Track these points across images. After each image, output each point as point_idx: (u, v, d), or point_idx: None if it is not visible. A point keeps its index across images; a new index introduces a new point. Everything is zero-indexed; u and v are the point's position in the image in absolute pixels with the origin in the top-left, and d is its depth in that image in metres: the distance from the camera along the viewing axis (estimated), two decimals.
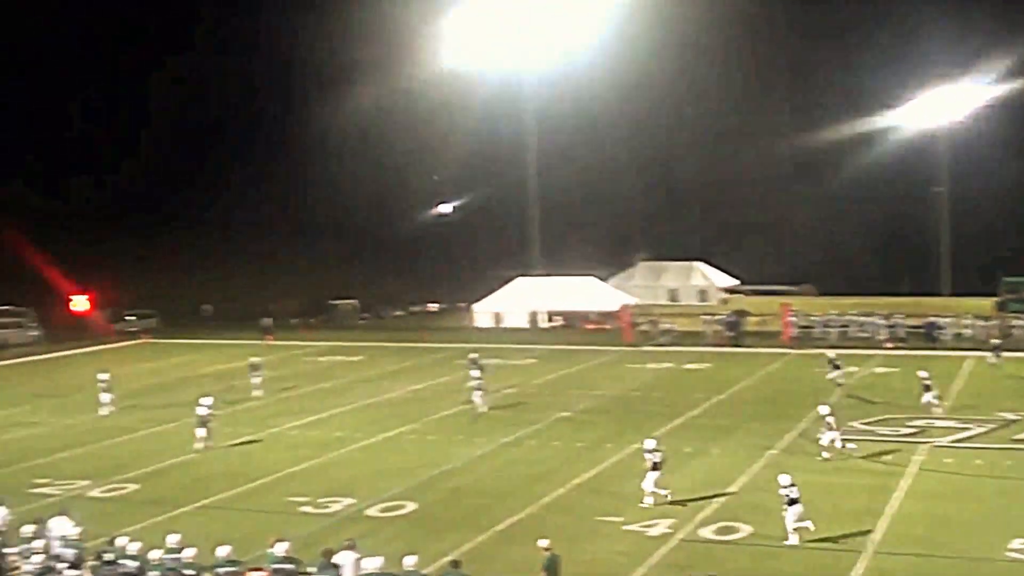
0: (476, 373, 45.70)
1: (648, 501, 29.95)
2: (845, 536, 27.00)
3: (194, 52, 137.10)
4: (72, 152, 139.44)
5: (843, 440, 35.11)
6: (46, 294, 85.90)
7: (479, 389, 44.37)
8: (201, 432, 39.02)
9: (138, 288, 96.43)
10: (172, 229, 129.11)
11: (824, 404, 36.08)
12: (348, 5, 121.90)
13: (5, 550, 23.58)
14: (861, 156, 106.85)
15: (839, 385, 47.03)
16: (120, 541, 22.81)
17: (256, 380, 50.02)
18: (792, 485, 26.96)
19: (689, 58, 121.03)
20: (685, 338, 67.42)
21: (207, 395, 41.22)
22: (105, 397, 47.64)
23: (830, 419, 34.82)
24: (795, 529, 26.64)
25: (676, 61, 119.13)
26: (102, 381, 48.27)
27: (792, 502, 26.82)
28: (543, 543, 22.60)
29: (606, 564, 25.24)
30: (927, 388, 41.46)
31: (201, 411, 39.42)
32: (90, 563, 22.82)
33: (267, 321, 76.78)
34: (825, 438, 34.81)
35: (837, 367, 47.90)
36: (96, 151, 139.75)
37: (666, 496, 30.05)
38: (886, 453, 35.40)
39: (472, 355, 47.90)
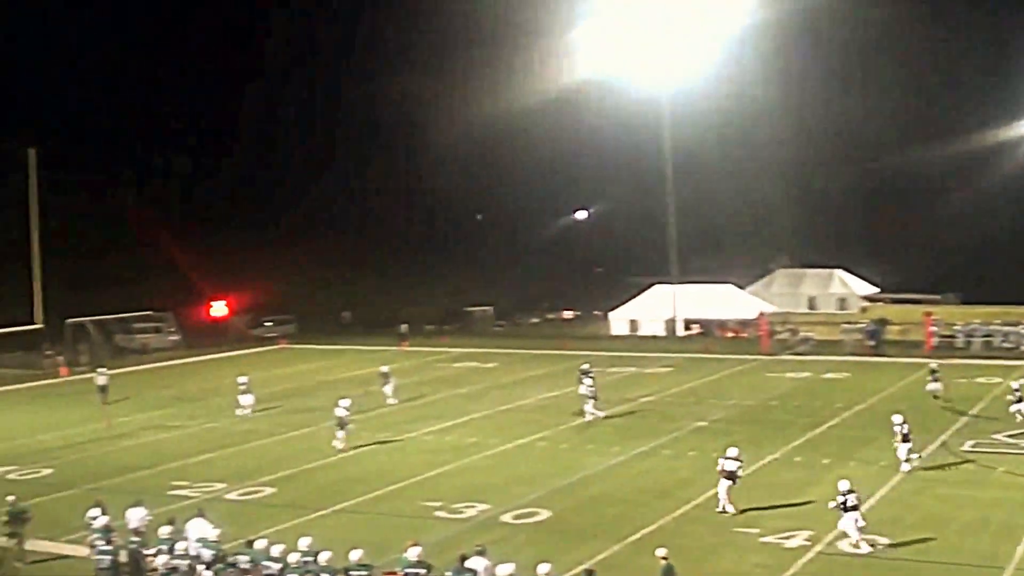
0: (588, 382, 45.21)
1: (728, 509, 29.73)
2: (987, 550, 26.24)
3: (328, 55, 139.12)
4: (213, 158, 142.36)
5: (915, 453, 34.40)
6: (185, 299, 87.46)
7: (592, 398, 44.00)
8: (340, 433, 39.75)
9: (276, 294, 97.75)
10: (310, 236, 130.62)
11: (898, 414, 35.02)
12: (481, 11, 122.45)
13: (144, 551, 23.78)
14: (1008, 161, 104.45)
15: (936, 398, 45.55)
16: (260, 543, 22.98)
17: (387, 388, 50.15)
18: (851, 491, 26.57)
19: (832, 63, 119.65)
20: (824, 347, 66.15)
21: (345, 397, 41.63)
22: (244, 399, 48.54)
23: (898, 428, 34.14)
24: (848, 535, 26.53)
25: (817, 66, 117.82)
26: (242, 384, 49.04)
27: (850, 508, 26.44)
28: (660, 552, 22.38)
29: None
30: (1020, 399, 40.52)
31: (340, 412, 40.20)
32: (227, 564, 23.04)
33: (403, 327, 77.17)
34: (901, 450, 34.06)
35: (937, 379, 46.39)
36: (237, 157, 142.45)
37: (730, 512, 29.73)
38: None
39: (583, 366, 47.29)
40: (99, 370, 53.26)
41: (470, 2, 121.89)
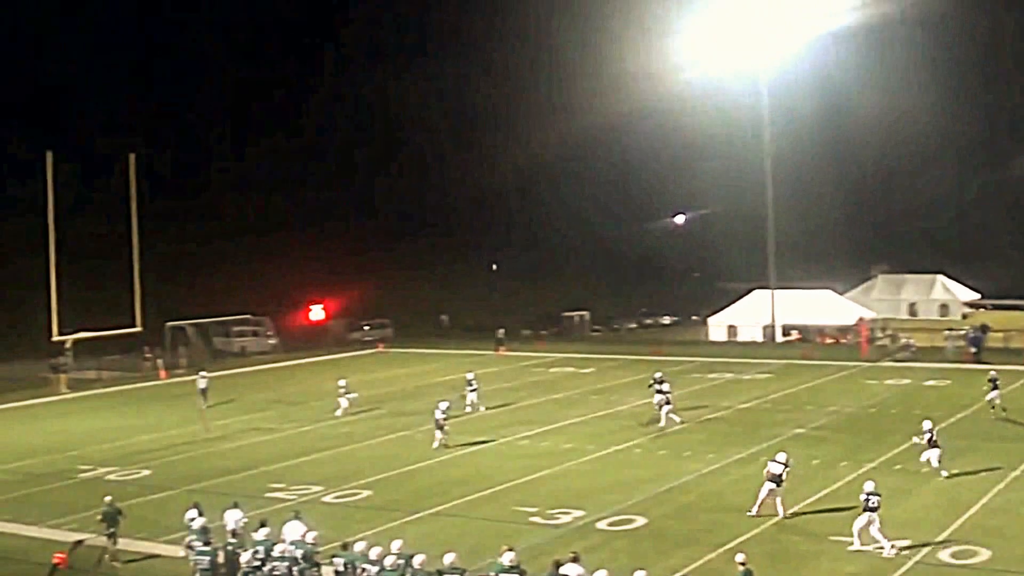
0: (665, 387, 44.66)
1: (752, 510, 30.09)
2: None
3: (424, 59, 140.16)
4: (318, 165, 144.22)
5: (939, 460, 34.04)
6: (284, 304, 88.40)
7: (667, 404, 43.73)
8: (439, 434, 40.43)
9: (373, 298, 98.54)
10: (407, 241, 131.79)
11: (927, 420, 35.02)
12: (579, 18, 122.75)
13: (240, 552, 23.97)
14: None
15: (993, 407, 44.42)
16: (358, 546, 22.98)
17: (472, 396, 49.87)
18: (875, 493, 26.47)
19: (938, 66, 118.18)
20: (925, 354, 65.20)
21: (444, 399, 41.93)
22: (343, 401, 48.96)
23: (926, 435, 34.14)
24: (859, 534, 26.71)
25: (923, 69, 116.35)
26: (341, 387, 49.42)
27: (870, 509, 26.46)
28: (739, 558, 22.34)
29: None
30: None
31: (438, 415, 40.77)
32: (312, 564, 23.25)
33: (500, 332, 77.22)
34: (925, 455, 33.95)
35: (996, 387, 45.20)
36: (342, 166, 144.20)
37: (751, 513, 30.04)
38: None
39: (656, 374, 46.66)
40: (200, 373, 53.80)
41: (566, 6, 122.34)
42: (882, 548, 26.19)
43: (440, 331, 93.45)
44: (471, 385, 50.09)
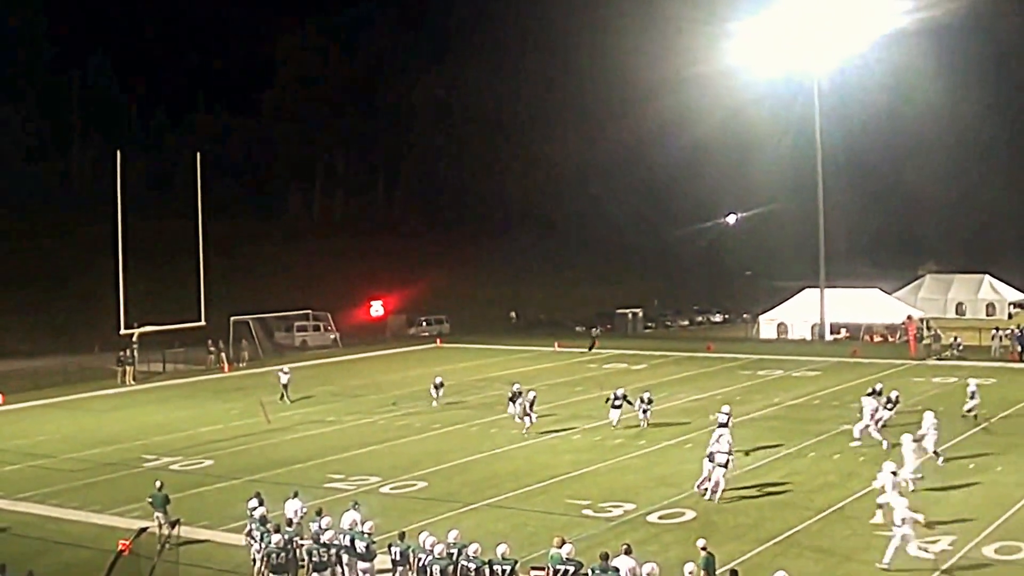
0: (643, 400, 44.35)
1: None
2: None
3: (497, 53, 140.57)
4: (374, 162, 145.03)
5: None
6: (345, 299, 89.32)
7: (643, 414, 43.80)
8: (527, 422, 42.46)
9: (431, 295, 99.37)
10: (464, 239, 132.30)
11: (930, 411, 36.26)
12: (637, 19, 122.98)
13: (298, 540, 24.65)
14: None
15: (968, 413, 44.46)
16: (423, 537, 23.48)
17: (512, 408, 46.44)
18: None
19: (989, 66, 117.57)
20: (971, 352, 65.29)
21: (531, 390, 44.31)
22: (436, 393, 50.07)
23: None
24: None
25: (974, 69, 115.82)
26: (438, 381, 50.71)
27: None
28: (700, 543, 22.87)
29: None
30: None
31: (513, 410, 42.58)
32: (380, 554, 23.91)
33: (595, 330, 77.43)
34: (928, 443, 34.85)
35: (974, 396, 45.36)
36: (396, 163, 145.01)
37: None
38: None
39: (619, 391, 44.65)
40: (283, 368, 54.22)
41: (629, 9, 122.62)
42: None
43: (510, 327, 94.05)
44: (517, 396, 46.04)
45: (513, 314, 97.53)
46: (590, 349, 72.92)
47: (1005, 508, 30.21)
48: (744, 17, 76.69)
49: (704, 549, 22.60)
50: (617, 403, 43.04)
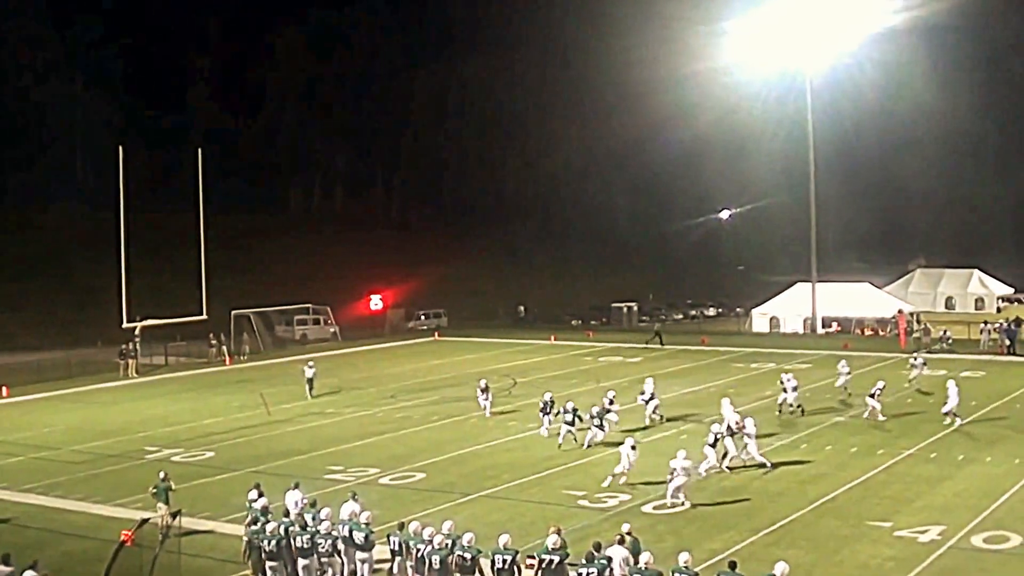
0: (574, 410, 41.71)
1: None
2: None
3: (481, 57, 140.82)
4: (373, 157, 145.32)
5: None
6: (344, 293, 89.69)
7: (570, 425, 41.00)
8: (600, 435, 39.06)
9: (429, 289, 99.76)
10: (463, 233, 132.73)
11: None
12: (631, 18, 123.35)
13: (296, 531, 24.90)
14: None
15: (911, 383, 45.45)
16: (412, 526, 23.91)
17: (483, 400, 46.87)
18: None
19: (978, 66, 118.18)
20: (960, 346, 65.89)
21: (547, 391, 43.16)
22: (482, 398, 46.68)
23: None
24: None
25: (963, 68, 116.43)
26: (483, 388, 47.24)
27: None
28: (625, 528, 23.47)
29: (876, 569, 25.21)
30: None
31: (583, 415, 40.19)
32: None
33: (658, 327, 77.01)
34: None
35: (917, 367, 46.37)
36: (396, 158, 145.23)
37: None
38: None
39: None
40: (308, 363, 54.04)
41: (621, 6, 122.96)
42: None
43: (518, 321, 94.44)
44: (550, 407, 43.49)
45: (521, 308, 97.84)
46: (660, 344, 71.69)
47: (994, 498, 30.67)
48: (737, 15, 77.03)
49: (629, 534, 23.17)
50: (568, 417, 40.14)
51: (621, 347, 72.18)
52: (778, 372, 57.23)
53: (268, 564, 24.21)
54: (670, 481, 31.10)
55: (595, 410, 39.41)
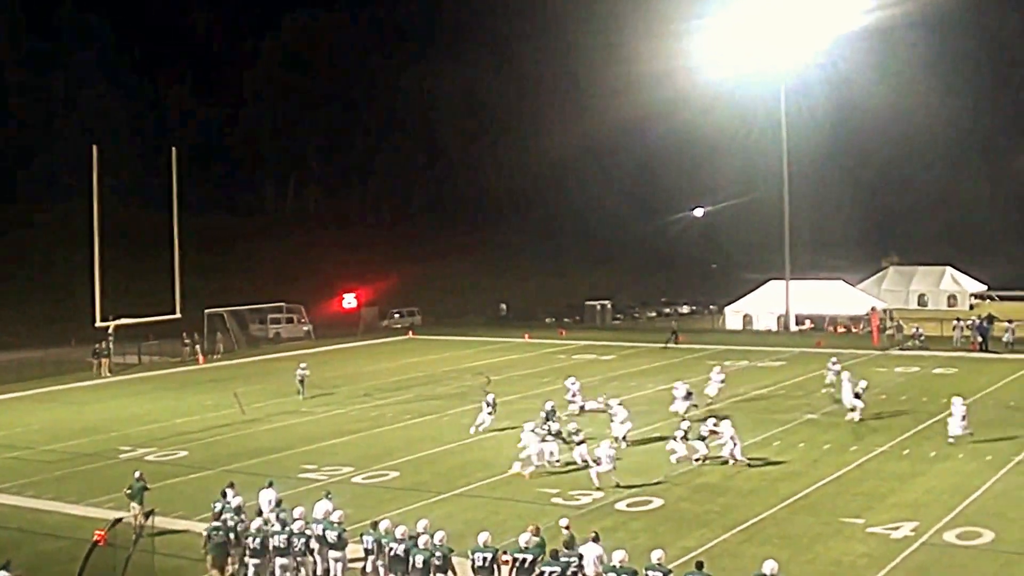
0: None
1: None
2: None
3: (459, 61, 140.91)
4: (350, 160, 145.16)
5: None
6: (318, 292, 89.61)
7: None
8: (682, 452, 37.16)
9: (403, 287, 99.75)
10: (435, 232, 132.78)
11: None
12: (601, 17, 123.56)
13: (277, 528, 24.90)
14: None
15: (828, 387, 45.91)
16: (384, 524, 23.98)
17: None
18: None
19: (947, 63, 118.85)
20: (933, 343, 66.28)
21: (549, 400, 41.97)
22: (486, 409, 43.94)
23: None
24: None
25: (932, 66, 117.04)
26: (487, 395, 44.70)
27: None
28: (563, 522, 23.88)
29: (849, 566, 25.33)
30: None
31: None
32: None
33: (674, 324, 77.08)
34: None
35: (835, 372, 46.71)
36: (370, 158, 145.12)
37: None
38: None
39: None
40: (300, 365, 53.44)
41: (588, 6, 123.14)
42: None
43: (499, 319, 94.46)
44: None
45: (503, 306, 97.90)
46: (676, 343, 70.98)
47: (966, 495, 30.91)
48: (712, 13, 77.30)
49: (567, 528, 23.52)
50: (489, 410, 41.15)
51: (594, 344, 72.35)
52: (751, 369, 57.81)
53: (251, 561, 24.30)
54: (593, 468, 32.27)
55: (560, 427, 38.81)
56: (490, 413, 41.42)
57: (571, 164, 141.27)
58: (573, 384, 46.81)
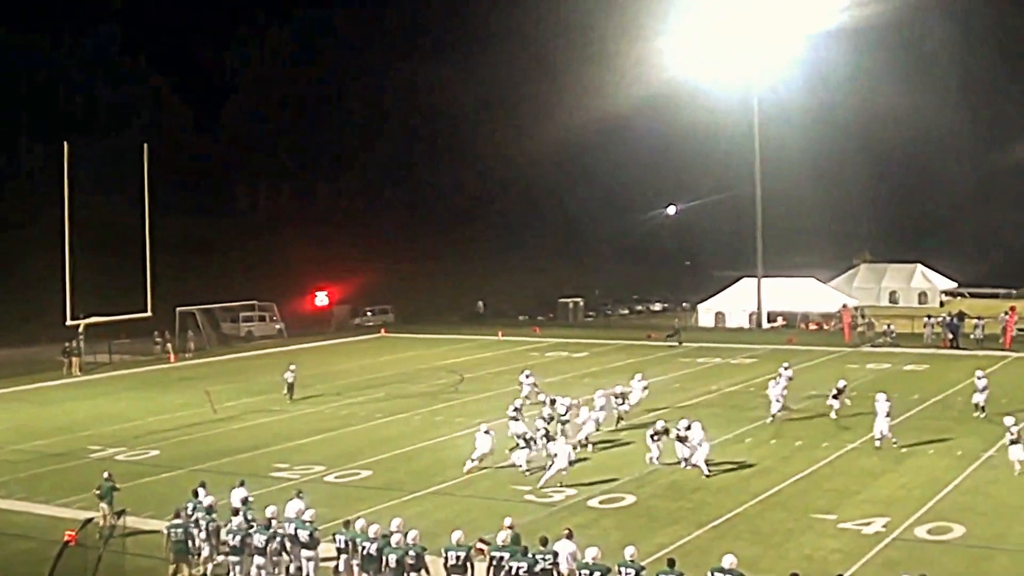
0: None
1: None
2: None
3: (426, 49, 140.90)
4: (318, 156, 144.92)
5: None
6: (290, 290, 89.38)
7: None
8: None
9: (376, 285, 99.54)
10: (409, 230, 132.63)
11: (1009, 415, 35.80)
12: (578, 15, 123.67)
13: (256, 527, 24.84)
14: None
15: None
16: (359, 523, 23.88)
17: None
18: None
19: (913, 64, 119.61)
20: (904, 340, 66.68)
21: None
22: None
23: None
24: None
25: (900, 66, 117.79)
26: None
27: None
28: (507, 521, 23.76)
29: (820, 561, 25.38)
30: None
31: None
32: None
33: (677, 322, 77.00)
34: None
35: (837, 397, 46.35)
36: (338, 157, 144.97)
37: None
38: None
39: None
40: (289, 367, 52.46)
41: (566, 5, 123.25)
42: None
43: (476, 317, 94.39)
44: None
45: (480, 304, 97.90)
46: (678, 341, 70.32)
47: (937, 490, 31.08)
48: (688, 12, 77.43)
49: (511, 528, 23.46)
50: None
51: (567, 342, 72.41)
52: (724, 367, 57.98)
53: (230, 559, 24.29)
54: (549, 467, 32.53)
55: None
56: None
57: (545, 163, 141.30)
58: (528, 379, 46.57)
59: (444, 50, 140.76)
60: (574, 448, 34.33)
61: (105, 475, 29.81)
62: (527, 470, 34.33)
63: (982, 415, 41.02)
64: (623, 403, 42.41)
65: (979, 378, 42.63)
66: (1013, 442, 32.69)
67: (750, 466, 34.88)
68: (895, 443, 36.36)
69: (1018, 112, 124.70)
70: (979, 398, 41.99)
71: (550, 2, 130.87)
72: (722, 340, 70.95)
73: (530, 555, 21.89)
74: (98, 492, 29.11)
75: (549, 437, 34.87)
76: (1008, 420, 33.91)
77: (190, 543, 24.92)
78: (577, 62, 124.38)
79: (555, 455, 32.55)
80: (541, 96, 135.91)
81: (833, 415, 41.42)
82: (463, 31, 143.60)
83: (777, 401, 42.32)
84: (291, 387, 51.17)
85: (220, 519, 25.42)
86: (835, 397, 41.85)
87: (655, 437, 34.68)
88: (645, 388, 44.78)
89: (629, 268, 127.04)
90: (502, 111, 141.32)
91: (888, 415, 36.72)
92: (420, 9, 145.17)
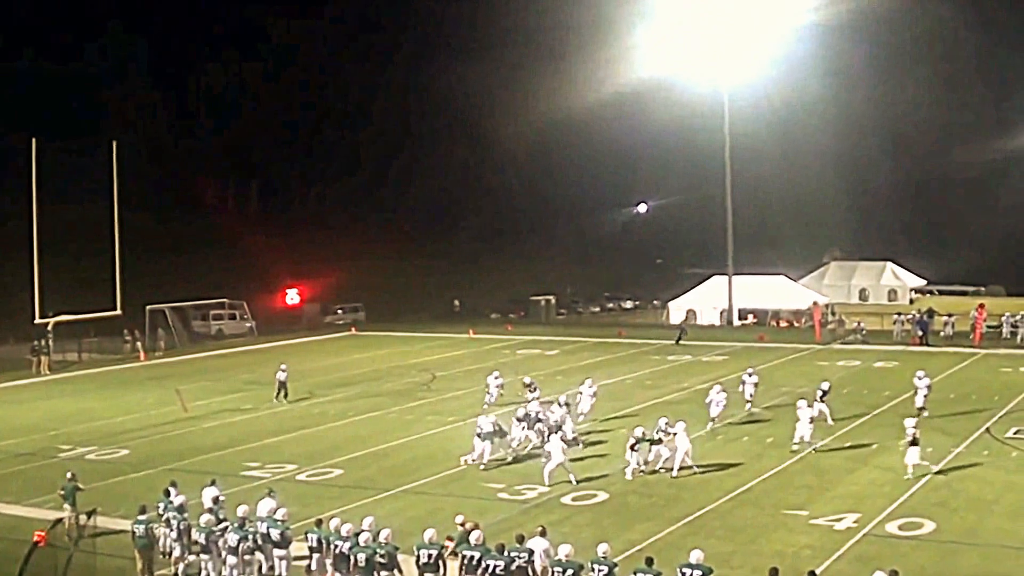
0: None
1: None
2: None
3: (405, 49, 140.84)
4: (288, 153, 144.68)
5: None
6: (260, 288, 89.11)
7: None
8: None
9: (347, 283, 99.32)
10: (377, 227, 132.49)
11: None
12: (548, 13, 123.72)
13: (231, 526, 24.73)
14: None
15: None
16: (333, 523, 23.82)
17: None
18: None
19: (883, 61, 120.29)
20: (874, 337, 67.00)
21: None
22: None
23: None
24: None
25: (870, 64, 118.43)
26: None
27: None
28: (459, 519, 24.07)
29: (792, 557, 25.41)
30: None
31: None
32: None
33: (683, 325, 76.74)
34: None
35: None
36: (309, 154, 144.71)
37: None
38: None
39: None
40: (281, 366, 51.40)
41: (538, 3, 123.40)
42: None
43: (452, 315, 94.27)
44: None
45: (456, 302, 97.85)
46: (678, 342, 69.68)
47: (907, 487, 31.24)
48: (655, 13, 77.65)
49: (462, 525, 23.69)
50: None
51: (539, 340, 72.44)
52: (695, 364, 58.15)
53: (201, 557, 24.30)
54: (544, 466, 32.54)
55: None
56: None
57: (514, 161, 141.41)
58: (496, 379, 46.32)
59: (416, 51, 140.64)
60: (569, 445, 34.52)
61: (68, 475, 29.56)
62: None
63: (925, 415, 40.72)
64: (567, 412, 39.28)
65: (920, 379, 42.45)
66: (912, 443, 32.43)
67: (723, 462, 34.88)
68: (813, 448, 35.96)
69: (987, 110, 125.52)
70: (920, 400, 41.75)
71: (519, 1, 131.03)
72: (693, 337, 70.80)
73: (506, 553, 21.87)
74: (62, 492, 28.91)
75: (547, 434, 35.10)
76: (908, 421, 33.75)
77: (158, 539, 25.04)
78: (547, 60, 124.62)
79: (550, 452, 32.71)
80: (512, 95, 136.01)
81: (830, 421, 39.97)
82: (432, 32, 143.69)
83: (748, 402, 42.40)
84: (283, 386, 50.51)
85: (192, 518, 25.29)
86: (821, 399, 40.92)
87: (635, 448, 34.38)
88: (593, 395, 43.29)
89: (600, 266, 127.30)
90: (474, 110, 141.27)
91: (811, 421, 36.14)
92: (387, 11, 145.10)
